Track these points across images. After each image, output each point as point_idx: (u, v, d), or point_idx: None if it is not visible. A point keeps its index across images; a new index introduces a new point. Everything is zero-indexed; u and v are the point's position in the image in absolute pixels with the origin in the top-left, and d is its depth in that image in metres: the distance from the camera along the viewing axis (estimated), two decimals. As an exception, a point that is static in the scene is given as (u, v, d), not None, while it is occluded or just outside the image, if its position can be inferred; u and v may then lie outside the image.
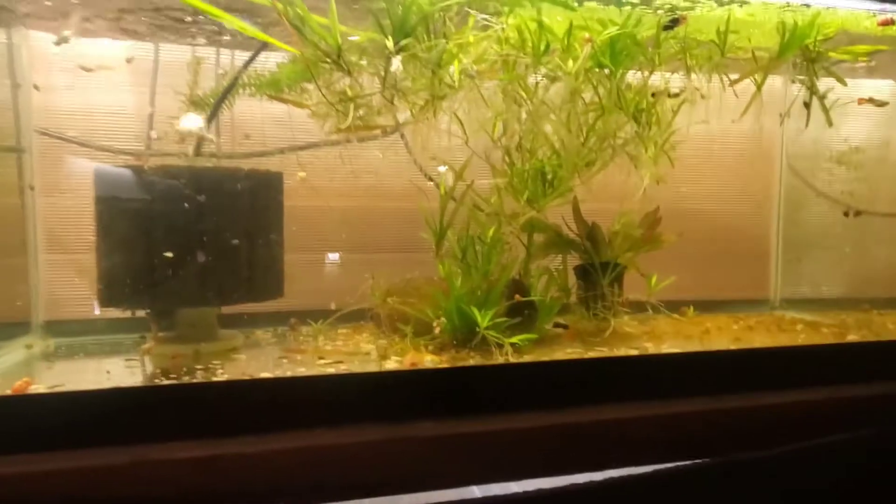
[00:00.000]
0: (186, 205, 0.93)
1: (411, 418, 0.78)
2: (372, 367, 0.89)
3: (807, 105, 0.96)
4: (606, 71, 0.97)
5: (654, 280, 1.13)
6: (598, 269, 1.10)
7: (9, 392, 0.75)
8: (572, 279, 1.17)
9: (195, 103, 1.07)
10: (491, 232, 1.09)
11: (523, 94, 0.98)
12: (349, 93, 0.80)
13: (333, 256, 1.28)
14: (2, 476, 0.64)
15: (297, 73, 0.87)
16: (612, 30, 0.94)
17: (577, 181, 1.08)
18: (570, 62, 0.91)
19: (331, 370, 0.87)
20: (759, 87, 0.98)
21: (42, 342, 1.07)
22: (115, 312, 0.99)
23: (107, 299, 0.96)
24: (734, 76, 1.03)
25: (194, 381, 0.81)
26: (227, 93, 1.04)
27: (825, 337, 1.13)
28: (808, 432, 0.88)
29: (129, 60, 1.12)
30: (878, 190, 1.27)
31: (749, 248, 1.42)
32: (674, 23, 0.96)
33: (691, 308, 1.22)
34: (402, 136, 1.05)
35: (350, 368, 0.89)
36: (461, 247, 1.10)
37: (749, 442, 0.87)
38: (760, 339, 1.10)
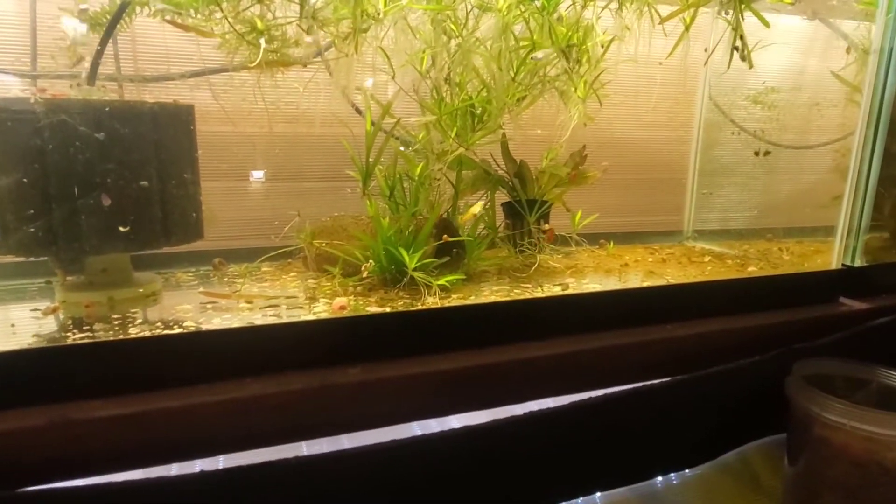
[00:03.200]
0: (83, 141, 0.84)
1: (339, 364, 0.80)
2: (300, 312, 0.89)
3: (736, 49, 0.97)
4: (538, 3, 0.94)
5: (578, 216, 1.16)
6: (524, 207, 1.12)
7: None
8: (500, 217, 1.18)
9: (85, 22, 0.95)
10: (419, 169, 1.08)
11: (453, 26, 0.93)
12: (259, 24, 0.73)
13: (257, 186, 1.23)
14: None
15: (202, -4, 0.78)
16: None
17: (507, 118, 1.07)
18: (502, -3, 0.86)
19: (257, 317, 0.86)
20: (687, 28, 0.98)
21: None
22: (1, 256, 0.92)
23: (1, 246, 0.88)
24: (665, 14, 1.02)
25: (111, 333, 0.78)
26: (121, 12, 0.93)
27: (729, 268, 1.22)
28: (706, 360, 0.97)
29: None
30: (788, 128, 1.34)
31: (667, 183, 1.50)
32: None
33: (612, 242, 1.28)
34: (328, 67, 0.98)
35: (278, 313, 0.88)
36: (389, 185, 1.08)
37: (652, 372, 0.95)
38: (672, 272, 1.17)
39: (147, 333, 0.77)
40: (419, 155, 1.09)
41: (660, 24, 1.01)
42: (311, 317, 0.86)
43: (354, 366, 0.79)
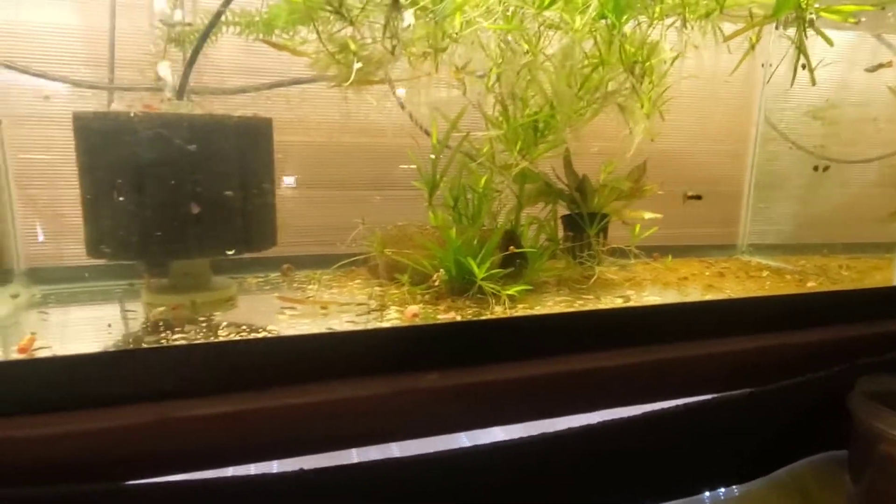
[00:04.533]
0: (177, 153, 0.90)
1: (418, 370, 0.83)
2: (373, 317, 0.92)
3: (803, 67, 0.98)
4: (606, 22, 0.96)
5: (637, 229, 1.18)
6: (585, 219, 1.14)
7: (15, 349, 0.75)
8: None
9: (175, 40, 1.01)
10: (483, 181, 1.11)
11: (525, 45, 0.96)
12: (352, 45, 0.77)
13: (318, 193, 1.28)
14: (28, 437, 0.65)
15: (295, 17, 0.82)
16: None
17: (570, 133, 1.09)
18: (577, 17, 0.89)
19: (334, 323, 0.89)
20: (752, 46, 0.99)
21: (26, 291, 1.04)
22: (97, 259, 0.97)
23: (97, 249, 0.94)
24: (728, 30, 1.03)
25: (201, 335, 0.82)
26: (209, 29, 0.98)
27: (788, 283, 1.23)
28: (768, 374, 0.97)
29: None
30: (846, 143, 1.34)
31: (722, 196, 1.50)
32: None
33: (669, 256, 1.29)
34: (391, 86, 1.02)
35: (354, 320, 0.91)
36: (453, 196, 1.12)
37: (717, 385, 0.96)
38: (730, 286, 1.18)
39: (238, 336, 0.81)
40: (482, 168, 1.12)
41: (724, 41, 1.03)
42: (389, 324, 0.89)
43: (431, 372, 0.82)
